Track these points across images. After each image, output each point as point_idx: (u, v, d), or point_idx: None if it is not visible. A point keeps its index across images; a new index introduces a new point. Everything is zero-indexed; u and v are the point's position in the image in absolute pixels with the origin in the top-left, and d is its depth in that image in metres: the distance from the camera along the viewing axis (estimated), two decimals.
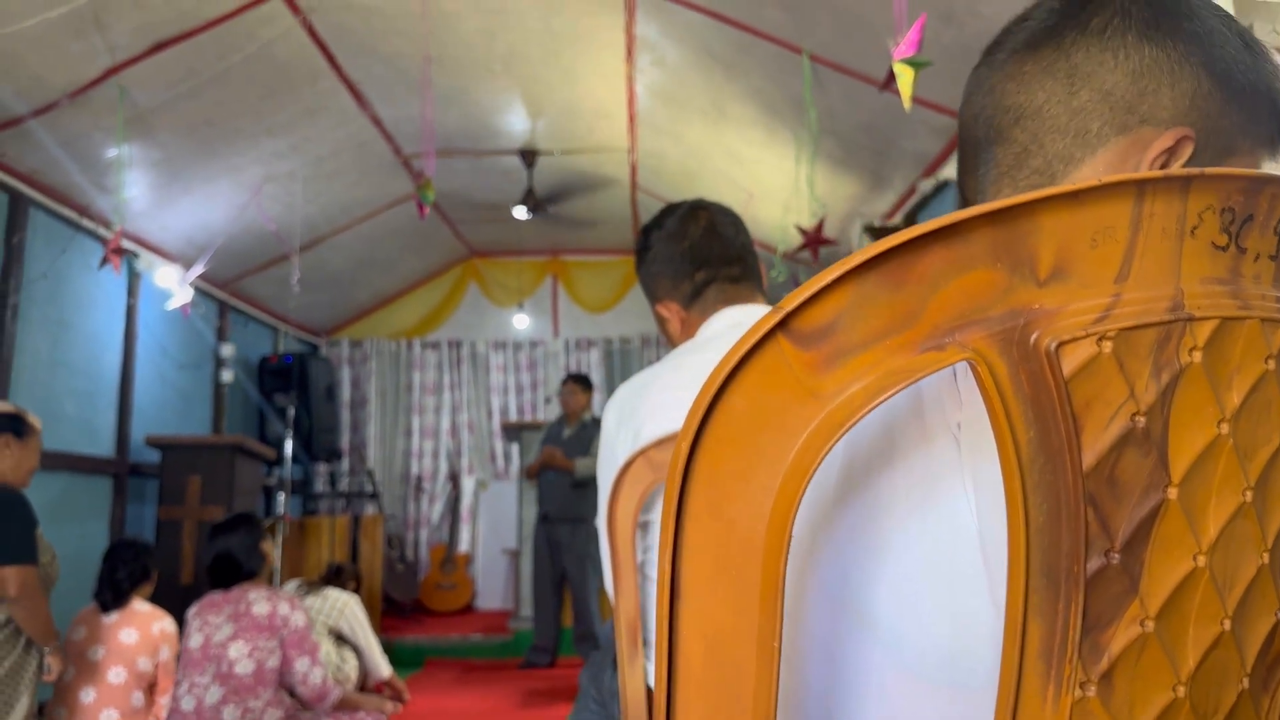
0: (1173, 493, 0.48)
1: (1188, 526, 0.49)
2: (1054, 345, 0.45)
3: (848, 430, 0.43)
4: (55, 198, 4.50)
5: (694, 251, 1.51)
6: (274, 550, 3.40)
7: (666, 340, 1.61)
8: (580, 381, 5.69)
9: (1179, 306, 0.48)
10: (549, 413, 7.38)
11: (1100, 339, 0.46)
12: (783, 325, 0.44)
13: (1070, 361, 0.45)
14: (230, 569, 3.24)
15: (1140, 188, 0.46)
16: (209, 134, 4.59)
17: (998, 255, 0.45)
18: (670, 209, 1.58)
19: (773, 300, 1.60)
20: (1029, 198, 0.44)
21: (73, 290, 4.74)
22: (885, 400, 0.43)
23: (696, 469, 0.45)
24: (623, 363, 8.24)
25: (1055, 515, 0.46)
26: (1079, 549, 0.46)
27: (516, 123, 5.46)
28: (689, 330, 1.53)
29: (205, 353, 6.22)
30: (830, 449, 0.43)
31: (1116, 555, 0.47)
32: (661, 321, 1.58)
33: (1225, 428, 0.49)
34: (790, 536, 0.43)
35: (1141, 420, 0.47)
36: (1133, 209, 0.46)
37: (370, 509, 7.26)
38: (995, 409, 0.45)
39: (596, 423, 5.65)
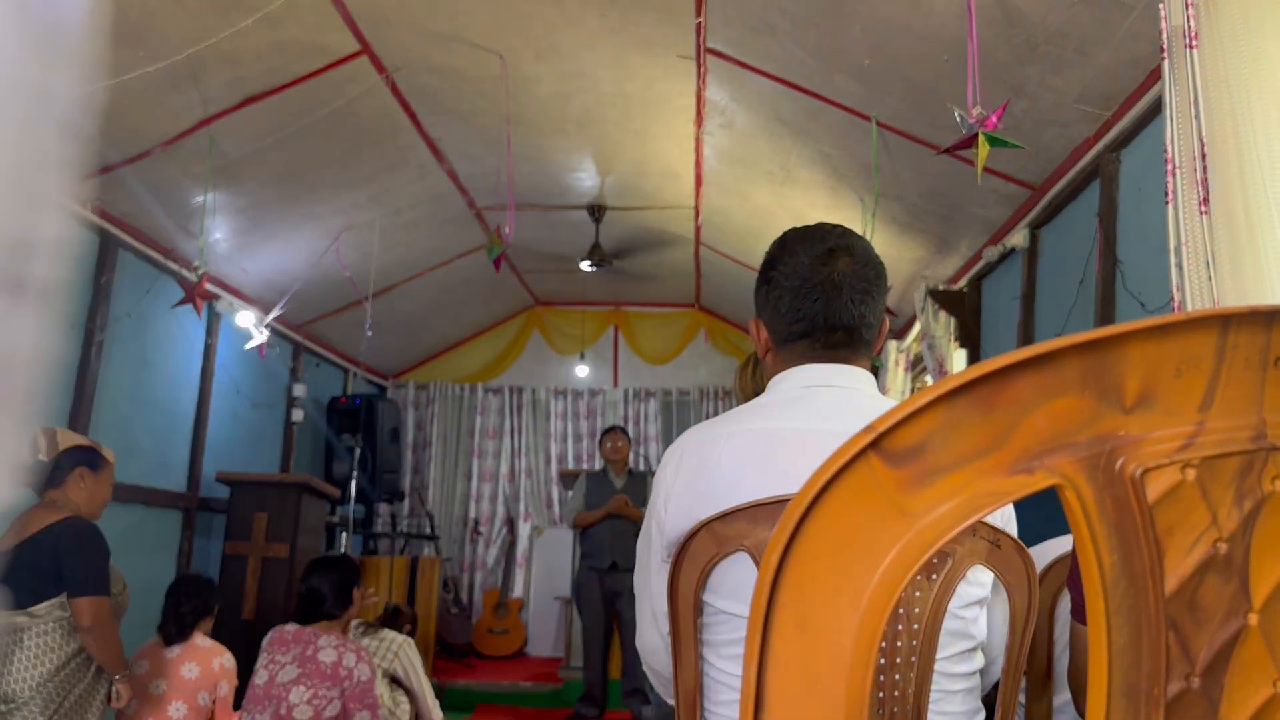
0: (1253, 619, 0.49)
1: (1268, 653, 0.49)
2: (1139, 472, 0.46)
3: (935, 550, 0.45)
4: (142, 240, 4.68)
5: (804, 300, 1.40)
6: (360, 596, 3.45)
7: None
8: (623, 432, 5.91)
9: (1262, 436, 0.49)
10: None
11: (1184, 466, 0.47)
12: (874, 444, 0.46)
13: (1155, 488, 0.47)
14: (314, 606, 3.29)
15: (1225, 321, 0.48)
16: (292, 184, 4.76)
17: (1086, 383, 0.47)
18: (811, 235, 1.46)
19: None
20: (1118, 330, 0.46)
21: (155, 329, 4.92)
22: (975, 521, 0.45)
23: (785, 581, 0.46)
24: (679, 414, 8.27)
25: (1136, 638, 0.47)
26: (1159, 672, 0.47)
27: (586, 180, 5.57)
28: (770, 363, 1.48)
29: (278, 392, 6.38)
30: (918, 568, 0.45)
31: (1197, 679, 0.48)
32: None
33: None
34: (878, 652, 0.45)
35: (1224, 547, 0.48)
36: (1217, 341, 0.48)
37: (428, 550, 7.32)
38: (1081, 532, 0.46)
39: (645, 473, 5.80)
